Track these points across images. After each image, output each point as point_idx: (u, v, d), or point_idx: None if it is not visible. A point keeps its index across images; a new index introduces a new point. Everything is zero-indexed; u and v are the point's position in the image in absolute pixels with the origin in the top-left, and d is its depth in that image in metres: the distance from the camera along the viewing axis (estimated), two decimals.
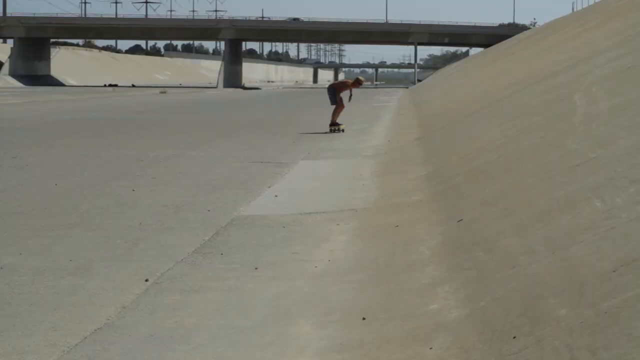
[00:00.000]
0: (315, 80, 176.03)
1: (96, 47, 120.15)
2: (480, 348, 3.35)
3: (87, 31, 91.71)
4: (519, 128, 8.60)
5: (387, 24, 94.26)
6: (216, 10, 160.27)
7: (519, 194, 5.74)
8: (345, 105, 18.74)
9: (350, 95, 18.93)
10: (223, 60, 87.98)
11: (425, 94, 37.45)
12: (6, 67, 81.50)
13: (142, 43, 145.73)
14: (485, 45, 72.78)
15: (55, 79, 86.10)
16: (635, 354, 2.70)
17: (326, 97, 19.21)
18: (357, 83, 18.76)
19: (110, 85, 76.52)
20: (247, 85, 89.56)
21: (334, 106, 18.58)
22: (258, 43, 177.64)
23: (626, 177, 4.56)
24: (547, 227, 4.53)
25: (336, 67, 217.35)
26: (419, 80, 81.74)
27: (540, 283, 3.73)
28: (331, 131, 18.12)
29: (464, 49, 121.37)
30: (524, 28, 79.71)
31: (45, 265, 5.68)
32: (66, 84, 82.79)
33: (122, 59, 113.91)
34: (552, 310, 3.34)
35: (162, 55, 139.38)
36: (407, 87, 74.62)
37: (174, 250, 6.18)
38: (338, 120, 18.59)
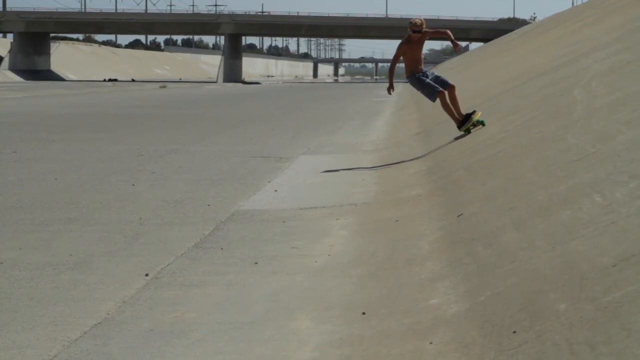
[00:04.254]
0: (315, 74, 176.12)
1: (96, 41, 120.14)
2: (480, 343, 3.35)
3: (86, 26, 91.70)
4: (518, 123, 8.60)
5: (387, 18, 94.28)
6: (216, 5, 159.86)
7: (518, 188, 5.74)
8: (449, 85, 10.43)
9: (455, 45, 10.83)
10: (223, 54, 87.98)
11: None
12: (6, 62, 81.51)
13: (142, 38, 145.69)
14: (485, 40, 72.77)
15: (55, 74, 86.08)
16: (635, 348, 2.70)
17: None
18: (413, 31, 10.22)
19: (110, 80, 76.46)
20: (247, 80, 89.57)
21: (436, 97, 10.48)
22: (258, 38, 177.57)
23: (626, 172, 4.56)
24: (547, 222, 4.53)
25: (336, 62, 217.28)
26: None
27: (540, 278, 3.73)
28: (466, 131, 10.37)
29: (464, 44, 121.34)
30: (524, 23, 79.70)
31: (45, 260, 5.68)
32: (66, 79, 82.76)
33: (122, 54, 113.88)
34: (552, 305, 3.34)
35: (162, 50, 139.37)
36: (407, 82, 74.52)
37: (174, 244, 6.18)
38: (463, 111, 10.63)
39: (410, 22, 10.26)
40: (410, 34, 10.18)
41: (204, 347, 3.94)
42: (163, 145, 13.61)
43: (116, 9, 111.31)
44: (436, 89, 10.35)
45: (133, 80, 78.95)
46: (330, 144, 14.56)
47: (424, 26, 10.17)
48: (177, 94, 41.59)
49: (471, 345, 3.38)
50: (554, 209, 4.68)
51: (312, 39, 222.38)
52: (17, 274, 5.29)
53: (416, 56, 10.40)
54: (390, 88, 10.76)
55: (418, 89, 10.60)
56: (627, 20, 12.97)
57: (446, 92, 10.36)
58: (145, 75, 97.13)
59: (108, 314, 4.46)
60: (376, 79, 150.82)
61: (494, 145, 8.11)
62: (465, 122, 10.33)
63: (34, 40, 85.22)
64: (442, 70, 52.40)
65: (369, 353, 3.68)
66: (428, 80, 10.38)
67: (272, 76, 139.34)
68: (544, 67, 13.39)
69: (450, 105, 10.41)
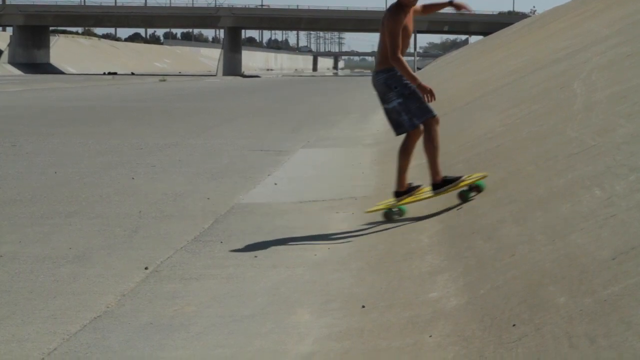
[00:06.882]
0: (315, 68, 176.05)
1: (96, 35, 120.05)
2: (480, 336, 3.35)
3: (86, 19, 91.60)
4: (518, 116, 8.60)
5: None
6: None
7: (518, 182, 5.74)
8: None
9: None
10: (222, 48, 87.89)
11: (424, 82, 37.38)
12: (5, 55, 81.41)
13: (142, 31, 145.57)
14: (485, 34, 72.72)
15: (55, 67, 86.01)
16: (634, 341, 2.70)
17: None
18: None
19: (109, 74, 76.40)
20: (246, 73, 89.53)
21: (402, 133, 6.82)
22: (257, 31, 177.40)
23: (626, 165, 4.56)
24: (547, 215, 4.53)
25: (336, 55, 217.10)
26: (419, 69, 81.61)
27: (540, 271, 3.73)
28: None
29: (463, 37, 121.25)
30: (523, 16, 79.61)
31: (45, 253, 5.68)
32: (65, 72, 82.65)
33: (122, 47, 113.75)
34: (552, 298, 3.34)
35: (162, 44, 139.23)
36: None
37: (174, 238, 6.18)
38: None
39: None
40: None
41: (204, 340, 3.94)
42: (163, 139, 13.60)
43: (116, 2, 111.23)
44: (431, 112, 6.50)
45: (133, 74, 78.87)
46: (330, 137, 14.55)
47: None
48: (177, 87, 41.56)
49: (471, 338, 3.38)
50: (554, 202, 4.68)
51: (311, 32, 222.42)
52: (17, 268, 5.29)
53: (409, 37, 6.45)
54: (431, 95, 6.48)
55: (399, 98, 6.56)
56: (627, 13, 12.95)
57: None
58: (144, 68, 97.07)
59: (108, 308, 4.47)
60: None
61: (494, 139, 8.10)
62: (443, 187, 6.33)
63: (34, 33, 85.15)
64: (441, 64, 52.30)
65: (368, 346, 3.68)
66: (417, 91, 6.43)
67: (271, 69, 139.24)
68: (543, 61, 13.38)
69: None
